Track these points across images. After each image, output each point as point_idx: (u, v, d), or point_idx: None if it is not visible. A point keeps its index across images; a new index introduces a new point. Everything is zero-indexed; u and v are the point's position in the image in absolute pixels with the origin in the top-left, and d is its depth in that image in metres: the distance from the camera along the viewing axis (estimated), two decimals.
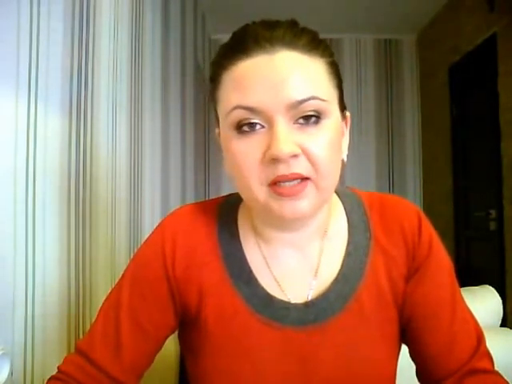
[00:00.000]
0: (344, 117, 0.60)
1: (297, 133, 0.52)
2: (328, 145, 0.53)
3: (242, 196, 0.58)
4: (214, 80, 0.57)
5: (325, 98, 0.53)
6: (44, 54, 0.83)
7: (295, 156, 0.51)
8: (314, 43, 0.54)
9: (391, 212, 0.63)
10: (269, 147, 0.51)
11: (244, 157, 0.53)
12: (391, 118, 3.92)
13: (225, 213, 0.66)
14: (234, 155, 0.54)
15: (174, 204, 2.13)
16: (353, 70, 3.91)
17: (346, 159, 0.60)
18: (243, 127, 0.52)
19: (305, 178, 0.52)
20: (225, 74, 0.55)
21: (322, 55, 0.55)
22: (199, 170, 3.28)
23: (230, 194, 0.69)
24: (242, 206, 0.66)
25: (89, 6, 1.05)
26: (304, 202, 0.52)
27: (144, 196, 1.57)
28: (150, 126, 1.68)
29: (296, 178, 0.51)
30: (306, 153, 0.52)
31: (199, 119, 3.04)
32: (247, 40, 0.53)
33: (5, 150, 0.73)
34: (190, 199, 2.69)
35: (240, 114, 0.52)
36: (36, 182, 0.81)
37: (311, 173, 0.52)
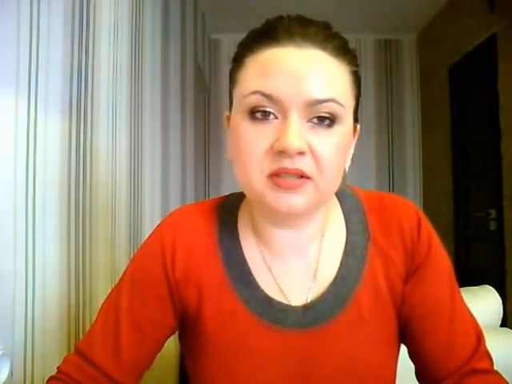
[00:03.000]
0: (354, 128, 0.59)
1: (308, 131, 0.51)
2: (336, 149, 0.52)
3: (239, 184, 0.57)
4: (237, 61, 0.56)
5: (343, 104, 0.52)
6: (44, 54, 0.83)
7: (302, 153, 0.50)
8: (344, 49, 0.54)
9: (390, 212, 0.63)
10: (278, 139, 0.50)
11: (251, 143, 0.52)
12: (391, 117, 3.92)
13: (225, 213, 0.65)
14: (241, 140, 0.53)
15: (174, 204, 2.13)
16: None
17: (347, 169, 0.60)
18: (257, 113, 0.52)
19: (306, 177, 0.51)
20: (250, 56, 0.54)
21: (349, 63, 0.54)
22: (199, 170, 3.28)
23: (230, 194, 0.69)
24: (242, 206, 0.66)
25: (89, 6, 1.05)
26: (300, 198, 0.52)
27: (144, 196, 1.57)
28: (150, 126, 1.68)
29: (297, 174, 0.51)
30: (313, 152, 0.51)
31: (199, 119, 3.05)
32: (279, 30, 0.52)
33: (5, 150, 0.73)
34: (190, 199, 2.69)
35: (257, 100, 0.51)
36: (36, 182, 0.81)
37: (314, 173, 0.51)
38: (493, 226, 2.71)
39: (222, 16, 3.34)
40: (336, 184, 0.56)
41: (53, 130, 0.87)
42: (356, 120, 0.59)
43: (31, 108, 0.79)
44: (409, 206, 0.64)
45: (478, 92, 2.94)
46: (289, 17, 0.54)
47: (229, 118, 0.60)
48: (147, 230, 1.54)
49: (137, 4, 1.48)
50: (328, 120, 0.52)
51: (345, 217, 0.64)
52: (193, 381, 0.64)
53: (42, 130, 0.83)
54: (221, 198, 0.68)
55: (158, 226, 0.65)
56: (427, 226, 0.62)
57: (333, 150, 0.52)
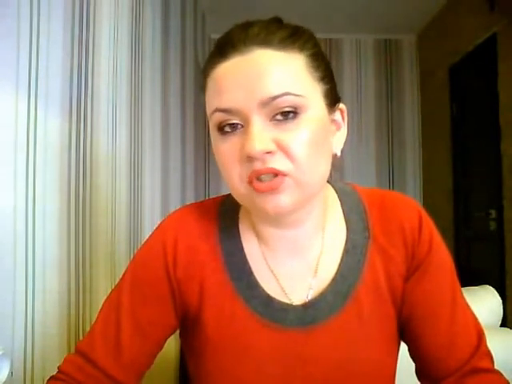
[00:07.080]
0: (336, 110, 0.59)
1: (274, 129, 0.52)
2: (307, 139, 0.52)
3: (231, 193, 0.59)
4: (202, 86, 0.59)
5: (300, 94, 0.52)
6: (44, 54, 0.83)
7: (270, 153, 0.51)
8: (292, 38, 0.54)
9: (391, 211, 0.63)
10: (243, 146, 0.51)
11: (226, 156, 0.54)
12: (391, 118, 3.92)
13: (225, 212, 0.66)
14: (218, 155, 0.55)
15: (174, 204, 2.13)
16: (353, 70, 3.91)
17: (339, 153, 0.59)
18: (225, 128, 0.54)
19: (281, 174, 0.51)
20: (208, 79, 0.56)
21: (302, 48, 0.54)
22: (199, 169, 3.28)
23: (230, 193, 0.68)
24: (242, 205, 0.66)
25: (89, 6, 1.05)
26: (284, 197, 0.52)
27: (144, 196, 1.57)
28: (150, 126, 1.68)
29: (271, 173, 0.51)
30: (282, 149, 0.51)
31: (199, 119, 3.04)
32: (226, 44, 0.54)
33: (5, 149, 0.73)
34: (190, 199, 2.69)
35: (219, 117, 0.53)
36: (36, 182, 0.81)
37: (290, 169, 0.52)
38: (493, 226, 2.71)
39: (222, 16, 3.34)
40: (319, 174, 0.55)
41: (53, 129, 0.87)
42: (337, 100, 0.58)
43: (31, 108, 0.79)
44: (410, 204, 0.64)
45: (478, 92, 2.94)
46: (233, 27, 0.56)
47: None
48: (147, 230, 1.54)
49: (137, 4, 1.48)
50: (291, 113, 0.52)
51: (345, 215, 0.64)
52: (194, 379, 0.65)
53: (42, 130, 0.83)
54: (221, 196, 0.69)
55: (159, 226, 0.65)
56: (429, 224, 0.63)
57: (304, 141, 0.52)
